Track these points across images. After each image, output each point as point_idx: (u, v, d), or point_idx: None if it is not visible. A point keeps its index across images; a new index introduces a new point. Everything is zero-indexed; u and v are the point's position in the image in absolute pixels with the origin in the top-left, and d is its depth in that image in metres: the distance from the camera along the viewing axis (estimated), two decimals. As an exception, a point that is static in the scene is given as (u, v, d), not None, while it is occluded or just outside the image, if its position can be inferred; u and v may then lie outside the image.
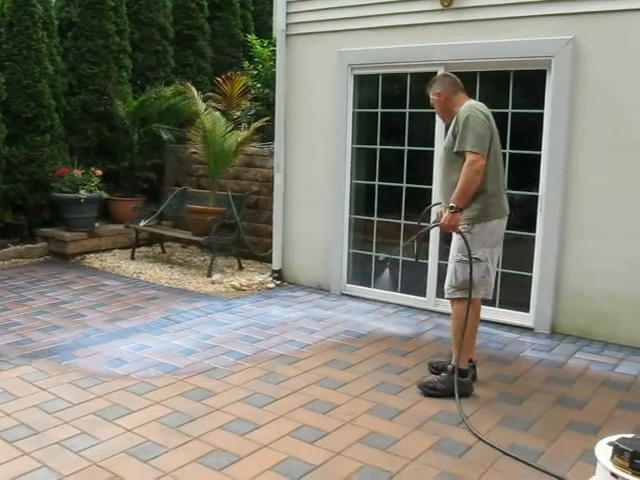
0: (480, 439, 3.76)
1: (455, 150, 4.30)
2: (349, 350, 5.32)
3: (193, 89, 8.64)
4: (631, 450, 2.42)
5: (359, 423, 3.99)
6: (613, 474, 2.46)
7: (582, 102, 5.56)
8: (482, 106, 4.43)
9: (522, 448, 3.70)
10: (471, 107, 4.35)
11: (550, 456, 3.62)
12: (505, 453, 3.62)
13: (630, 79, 5.35)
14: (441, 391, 4.36)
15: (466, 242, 4.29)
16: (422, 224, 5.03)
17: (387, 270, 6.92)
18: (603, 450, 2.58)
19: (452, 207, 4.22)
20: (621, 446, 2.46)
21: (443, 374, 4.45)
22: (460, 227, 4.31)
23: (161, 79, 10.08)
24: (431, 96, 4.63)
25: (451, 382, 4.32)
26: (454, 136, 4.33)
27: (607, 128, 5.47)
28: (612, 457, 2.49)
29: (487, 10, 5.91)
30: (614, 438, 2.56)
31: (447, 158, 4.45)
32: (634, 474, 2.40)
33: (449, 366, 4.46)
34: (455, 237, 4.44)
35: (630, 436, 2.57)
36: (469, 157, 4.20)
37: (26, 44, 8.36)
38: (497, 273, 4.95)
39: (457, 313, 4.45)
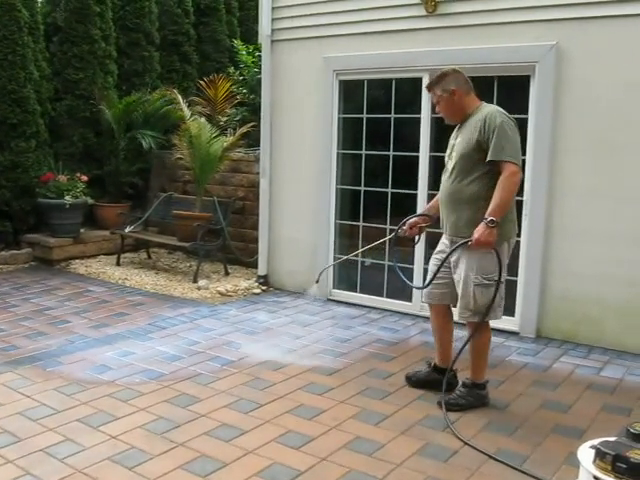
0: (466, 443, 3.77)
1: (489, 159, 3.92)
2: (335, 355, 5.32)
3: (178, 95, 8.63)
4: (613, 453, 2.44)
5: (345, 428, 3.99)
6: (595, 477, 2.48)
7: (566, 107, 5.60)
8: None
9: (507, 452, 3.71)
10: (500, 112, 4.03)
11: (535, 460, 3.63)
12: (491, 457, 3.63)
13: (612, 83, 5.39)
14: (463, 405, 4.25)
15: (500, 263, 4.02)
16: (403, 232, 4.62)
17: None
18: (586, 453, 2.60)
19: (492, 221, 3.82)
20: (603, 449, 2.47)
21: (462, 389, 4.32)
22: (483, 250, 4.00)
23: (147, 85, 10.06)
24: (439, 93, 4.18)
25: (474, 395, 4.28)
26: (480, 142, 3.97)
27: (591, 131, 5.51)
28: (594, 460, 2.51)
29: (471, 16, 5.95)
30: (597, 441, 2.57)
31: (463, 166, 4.06)
32: (616, 477, 2.42)
33: (467, 382, 4.34)
34: (472, 257, 4.05)
35: (612, 439, 2.59)
36: (509, 168, 3.87)
37: (11, 49, 8.31)
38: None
39: (480, 335, 4.26)
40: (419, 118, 6.33)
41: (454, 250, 4.13)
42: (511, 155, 3.90)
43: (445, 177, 4.26)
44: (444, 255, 4.24)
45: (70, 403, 4.25)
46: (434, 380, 4.50)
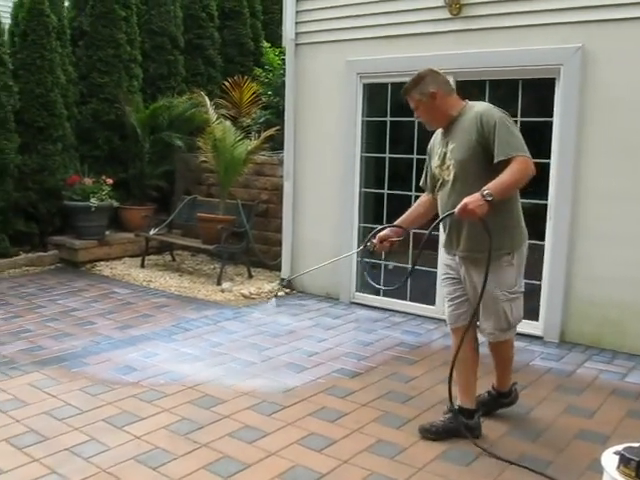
0: (485, 450, 3.74)
1: (497, 159, 3.53)
2: (357, 358, 5.33)
3: (206, 98, 8.68)
4: (637, 459, 2.42)
5: (366, 431, 4.00)
6: (619, 483, 2.46)
7: (591, 109, 5.56)
8: None
9: (530, 457, 3.69)
10: (493, 107, 3.72)
11: (558, 466, 3.61)
12: (513, 463, 3.61)
13: (638, 86, 5.35)
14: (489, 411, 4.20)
15: (489, 235, 3.57)
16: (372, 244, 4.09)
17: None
18: (609, 459, 2.58)
19: (490, 195, 3.37)
20: (627, 455, 2.45)
21: (487, 397, 4.24)
22: (503, 262, 3.74)
23: (172, 88, 10.16)
24: (417, 97, 3.81)
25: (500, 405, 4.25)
26: (480, 143, 3.62)
27: (616, 135, 5.47)
28: (618, 466, 2.49)
29: (496, 19, 5.92)
30: (621, 447, 2.55)
31: (467, 173, 3.68)
32: (640, 483, 2.40)
33: (492, 391, 4.25)
34: (494, 271, 3.67)
35: (637, 445, 2.56)
36: (520, 159, 3.49)
37: (39, 54, 8.44)
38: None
39: (507, 349, 4.11)
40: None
41: (442, 220, 3.78)
42: (519, 148, 3.53)
43: (445, 191, 3.82)
44: (452, 272, 3.96)
45: (95, 403, 4.30)
46: (460, 426, 3.91)
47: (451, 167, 3.75)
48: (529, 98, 5.87)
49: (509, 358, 4.17)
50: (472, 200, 3.40)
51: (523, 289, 3.92)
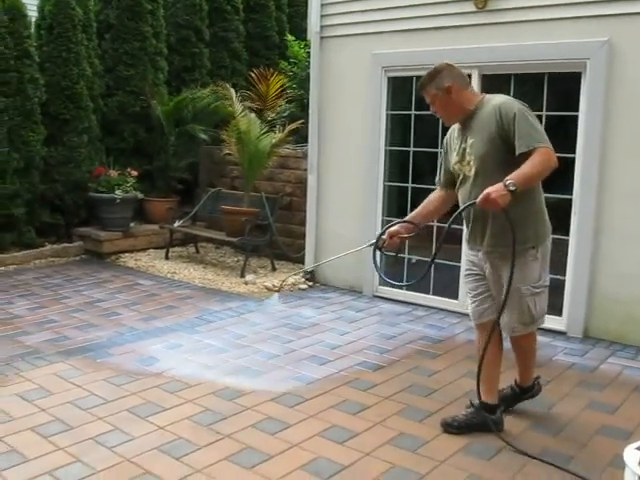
0: (508, 444, 3.74)
1: (519, 152, 3.46)
2: (380, 352, 5.34)
3: (232, 91, 8.70)
4: (659, 455, 2.42)
5: (389, 424, 4.01)
6: (641, 479, 2.46)
7: (617, 104, 5.51)
8: None
9: (552, 452, 3.69)
10: (510, 99, 3.67)
11: (580, 461, 3.60)
12: (534, 458, 3.60)
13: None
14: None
15: (512, 225, 3.50)
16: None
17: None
18: (632, 455, 2.58)
19: (513, 185, 3.30)
20: (650, 451, 2.45)
21: (510, 392, 4.20)
22: (527, 257, 3.69)
23: (196, 81, 10.20)
24: (433, 92, 3.75)
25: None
26: (501, 136, 3.55)
27: (643, 131, 5.42)
28: (640, 462, 2.49)
29: (521, 12, 5.88)
30: (643, 443, 2.55)
31: (489, 168, 3.60)
32: (662, 479, 2.40)
33: (514, 386, 4.21)
34: (518, 265, 3.61)
35: (659, 441, 2.56)
36: (543, 150, 3.42)
37: (65, 46, 8.52)
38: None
39: (530, 343, 4.05)
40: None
41: (463, 210, 3.68)
42: (540, 140, 3.45)
43: (466, 186, 3.76)
44: (475, 268, 3.91)
45: (119, 393, 4.35)
46: (482, 421, 3.90)
47: (472, 162, 3.70)
48: (555, 92, 5.83)
49: (532, 352, 4.11)
50: (494, 190, 3.33)
51: (548, 283, 3.86)
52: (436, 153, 6.58)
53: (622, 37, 5.44)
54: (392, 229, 3.96)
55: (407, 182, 6.87)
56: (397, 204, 7.03)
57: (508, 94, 5.48)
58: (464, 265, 4.08)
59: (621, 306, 5.60)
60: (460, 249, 6.29)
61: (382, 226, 6.99)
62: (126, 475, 3.34)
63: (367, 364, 5.05)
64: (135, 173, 9.01)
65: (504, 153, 3.56)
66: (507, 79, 5.95)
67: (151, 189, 9.59)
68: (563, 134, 5.82)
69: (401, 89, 6.88)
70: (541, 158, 3.41)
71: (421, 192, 6.71)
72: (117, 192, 8.57)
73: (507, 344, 4.05)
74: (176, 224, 8.71)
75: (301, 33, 10.32)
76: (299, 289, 7.35)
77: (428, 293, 6.74)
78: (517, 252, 3.57)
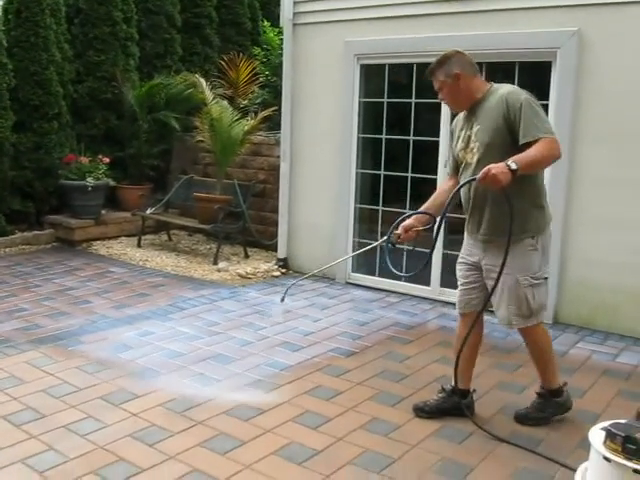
0: (480, 427, 3.79)
1: (523, 141, 3.46)
2: (353, 338, 5.37)
3: (202, 80, 8.65)
4: (623, 435, 2.47)
5: (361, 409, 4.05)
6: (605, 458, 2.52)
7: (587, 94, 5.57)
8: None
9: (522, 435, 3.75)
10: (519, 89, 3.65)
11: (549, 443, 3.67)
12: (504, 441, 3.67)
13: (635, 70, 5.36)
14: (543, 419, 3.92)
15: (511, 206, 3.48)
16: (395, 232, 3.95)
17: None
18: (597, 435, 2.63)
19: (516, 165, 3.30)
20: (614, 431, 2.51)
21: (539, 400, 3.98)
22: (526, 246, 3.66)
23: (168, 67, 10.12)
24: (442, 78, 3.73)
25: (553, 406, 3.95)
26: (507, 125, 3.54)
27: (612, 119, 5.48)
28: (605, 442, 2.54)
29: (493, 1, 5.92)
30: (607, 423, 2.61)
31: (493, 156, 3.51)
32: (626, 458, 2.45)
33: (541, 391, 3.99)
34: (514, 259, 3.59)
35: (623, 421, 2.62)
36: (547, 139, 3.43)
37: (34, 31, 8.39)
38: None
39: (536, 338, 3.90)
40: (440, 103, 6.29)
41: (462, 186, 3.66)
42: (545, 130, 3.46)
43: (467, 174, 3.72)
44: (471, 258, 3.86)
45: (92, 381, 4.33)
46: (453, 405, 3.96)
47: (475, 149, 3.69)
48: (525, 81, 5.85)
49: (544, 349, 3.93)
50: (495, 166, 3.32)
51: (548, 276, 3.83)
52: (408, 141, 6.63)
53: (591, 27, 5.51)
54: (406, 223, 3.88)
55: (380, 170, 6.89)
56: (370, 191, 7.06)
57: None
58: (461, 252, 4.01)
59: (590, 292, 5.69)
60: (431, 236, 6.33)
61: (355, 214, 7.03)
62: (99, 462, 3.33)
63: (340, 350, 5.08)
64: (107, 160, 8.94)
65: (508, 143, 3.55)
66: (479, 68, 5.97)
67: (123, 176, 9.52)
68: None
69: (374, 77, 6.90)
70: (545, 146, 3.41)
71: (393, 179, 6.78)
72: (88, 179, 8.49)
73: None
74: (148, 211, 8.66)
75: (274, 20, 10.29)
76: (272, 276, 7.36)
77: (400, 280, 6.78)
78: (515, 241, 3.57)
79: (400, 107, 6.72)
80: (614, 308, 5.61)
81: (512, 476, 3.34)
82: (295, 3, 7.19)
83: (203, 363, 4.71)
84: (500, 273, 3.60)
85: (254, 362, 4.77)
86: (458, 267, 4.00)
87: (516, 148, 3.47)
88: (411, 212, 3.99)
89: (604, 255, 5.59)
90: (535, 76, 5.90)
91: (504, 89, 3.66)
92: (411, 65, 6.54)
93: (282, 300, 6.21)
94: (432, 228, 3.88)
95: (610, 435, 2.52)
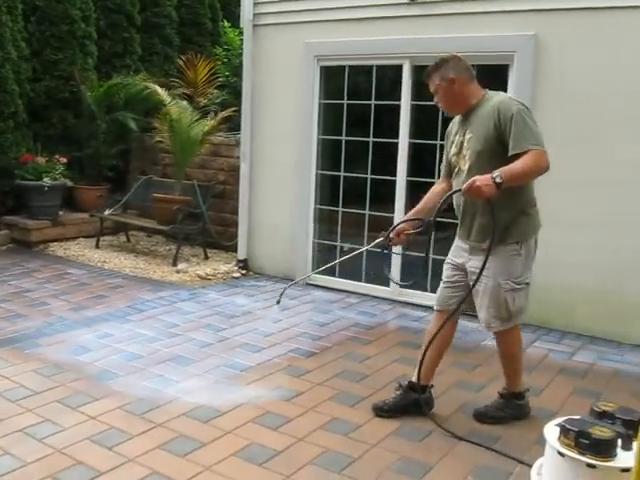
0: (439, 426, 3.84)
1: (512, 153, 3.50)
2: (313, 339, 5.38)
3: (157, 88, 8.57)
4: (576, 430, 2.53)
5: (322, 410, 4.06)
6: (560, 453, 2.57)
7: (543, 96, 5.66)
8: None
9: (480, 434, 3.80)
10: (512, 99, 3.71)
11: (507, 440, 3.73)
12: (463, 439, 3.71)
13: (589, 74, 5.48)
14: (502, 418, 3.97)
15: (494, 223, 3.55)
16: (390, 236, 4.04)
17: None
18: (551, 431, 2.69)
19: (500, 177, 3.35)
20: (567, 426, 2.57)
21: (500, 400, 4.04)
22: (510, 251, 3.72)
23: (128, 67, 10.02)
24: (437, 82, 3.77)
25: (513, 407, 4.01)
26: (498, 135, 3.58)
27: (568, 121, 5.58)
28: (559, 437, 2.60)
29: (452, 5, 5.99)
30: (562, 419, 2.67)
31: (483, 164, 3.59)
32: (579, 452, 2.51)
33: (503, 392, 4.06)
34: (497, 262, 3.69)
35: (577, 417, 2.68)
36: (535, 152, 3.48)
37: (-11, 29, 8.25)
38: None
39: (511, 341, 3.97)
40: (399, 105, 6.38)
41: (449, 197, 3.74)
42: (535, 142, 3.49)
43: (459, 180, 3.77)
44: (457, 260, 3.92)
45: (49, 384, 4.27)
46: (412, 402, 4.00)
47: (467, 157, 3.73)
48: (484, 84, 5.92)
49: (515, 353, 4.01)
50: (480, 178, 3.39)
51: (529, 281, 3.87)
52: (368, 142, 6.66)
53: (548, 32, 5.61)
54: (399, 227, 3.99)
55: (340, 171, 6.92)
56: (330, 193, 7.08)
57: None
58: (451, 253, 4.06)
59: (546, 292, 5.76)
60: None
61: (315, 215, 7.05)
62: (57, 466, 3.29)
63: (300, 351, 5.09)
64: (64, 160, 8.82)
65: (499, 152, 3.58)
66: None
67: (81, 177, 9.40)
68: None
69: (334, 78, 6.92)
70: (532, 158, 3.45)
71: (353, 181, 6.82)
72: (45, 179, 8.37)
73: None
74: (107, 212, 8.57)
75: (234, 20, 10.25)
76: (232, 278, 7.34)
77: (360, 281, 6.82)
78: (499, 245, 3.64)
79: (360, 109, 6.76)
80: (570, 308, 5.71)
81: (471, 473, 3.39)
82: (255, 4, 7.19)
83: (162, 365, 4.68)
84: (479, 275, 3.67)
85: (214, 363, 4.75)
86: (444, 267, 4.07)
87: (507, 158, 3.51)
88: (402, 219, 4.11)
89: (561, 255, 5.68)
90: (493, 78, 5.97)
91: (497, 98, 3.71)
92: (371, 67, 6.59)
93: (278, 302, 6.18)
94: (423, 232, 3.95)
95: (564, 431, 2.58)
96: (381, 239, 4.07)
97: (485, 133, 3.63)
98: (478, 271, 3.71)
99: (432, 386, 4.09)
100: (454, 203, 3.89)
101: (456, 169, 3.87)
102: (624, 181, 5.43)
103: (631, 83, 5.36)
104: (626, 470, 2.42)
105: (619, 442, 2.54)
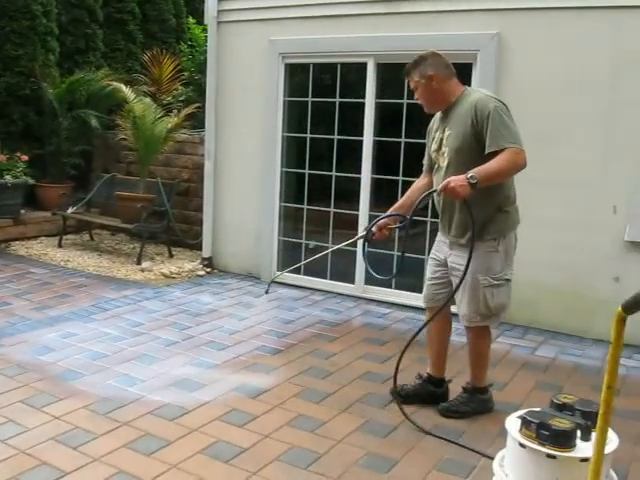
0: (407, 418, 3.87)
1: (488, 150, 3.52)
2: (278, 336, 5.39)
3: (122, 86, 8.50)
4: (537, 422, 2.59)
5: (288, 407, 4.07)
6: (521, 444, 2.62)
7: (506, 94, 5.65)
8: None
9: (445, 428, 3.84)
10: (490, 97, 3.69)
11: (471, 434, 3.78)
12: (428, 433, 3.76)
13: (550, 73, 5.56)
14: (466, 412, 4.01)
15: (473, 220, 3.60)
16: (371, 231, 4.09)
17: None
18: (513, 423, 2.74)
19: (474, 178, 3.39)
20: (529, 418, 2.63)
21: (463, 395, 4.09)
22: (487, 247, 3.76)
23: (90, 63, 9.92)
24: (416, 79, 3.80)
25: (476, 401, 4.06)
26: (475, 133, 3.61)
27: (530, 120, 5.63)
28: (520, 429, 2.66)
29: (416, 3, 6.03)
30: (523, 412, 2.72)
31: (461, 161, 3.64)
32: (539, 444, 2.57)
33: (467, 386, 4.11)
34: (475, 258, 3.69)
35: (538, 409, 2.74)
36: (512, 149, 3.49)
37: (-54, 24, 8.11)
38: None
39: (483, 337, 4.05)
40: (363, 103, 6.40)
41: (424, 198, 3.81)
42: (512, 141, 3.51)
43: (439, 176, 3.81)
44: (439, 255, 3.99)
45: (11, 385, 4.21)
46: (428, 393, 4.16)
47: (446, 154, 3.76)
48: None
49: (483, 351, 4.07)
50: (454, 179, 3.44)
51: (509, 277, 3.89)
52: (332, 140, 6.68)
53: (510, 31, 5.68)
54: (381, 222, 4.02)
55: (304, 168, 6.93)
56: (295, 190, 7.09)
57: (402, 83, 5.62)
58: (434, 248, 4.11)
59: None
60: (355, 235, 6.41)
61: (280, 212, 7.06)
62: (21, 467, 3.25)
63: (266, 348, 5.10)
64: (25, 158, 8.70)
65: (477, 149, 3.60)
66: (402, 68, 6.07)
67: (43, 174, 9.28)
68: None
69: (298, 76, 6.93)
70: (508, 157, 3.47)
71: (318, 178, 6.84)
72: (6, 177, 8.26)
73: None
74: (69, 210, 8.48)
75: (199, 17, 10.20)
76: (197, 276, 7.32)
77: (325, 278, 6.84)
78: (476, 244, 3.66)
79: (325, 106, 6.78)
80: (534, 303, 5.79)
81: (436, 467, 3.42)
82: (219, 1, 7.16)
83: (127, 364, 4.65)
84: (465, 273, 3.71)
85: (179, 362, 4.73)
86: (429, 262, 4.14)
87: (484, 155, 3.54)
88: (384, 215, 4.08)
89: (525, 253, 5.71)
90: (457, 77, 6.02)
91: (475, 95, 3.73)
92: (335, 65, 6.61)
93: (266, 292, 6.21)
94: (404, 226, 4.01)
95: (525, 423, 2.63)
96: (363, 233, 4.12)
97: (463, 130, 3.66)
98: (458, 266, 3.79)
99: (450, 380, 4.20)
100: (435, 199, 3.96)
101: (436, 165, 3.91)
102: (587, 181, 5.53)
103: (585, 83, 5.47)
104: (585, 460, 2.48)
105: (578, 433, 2.61)
